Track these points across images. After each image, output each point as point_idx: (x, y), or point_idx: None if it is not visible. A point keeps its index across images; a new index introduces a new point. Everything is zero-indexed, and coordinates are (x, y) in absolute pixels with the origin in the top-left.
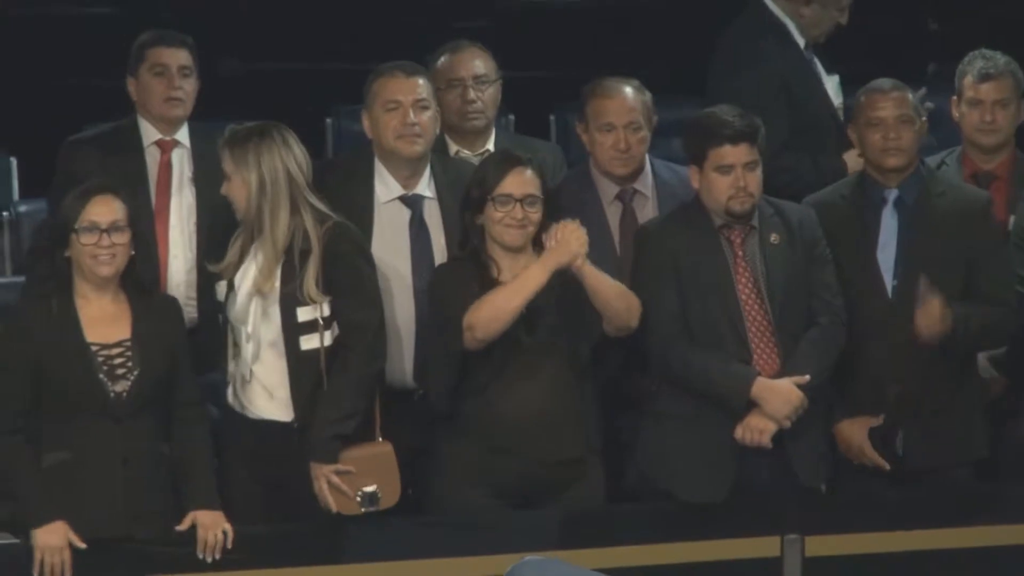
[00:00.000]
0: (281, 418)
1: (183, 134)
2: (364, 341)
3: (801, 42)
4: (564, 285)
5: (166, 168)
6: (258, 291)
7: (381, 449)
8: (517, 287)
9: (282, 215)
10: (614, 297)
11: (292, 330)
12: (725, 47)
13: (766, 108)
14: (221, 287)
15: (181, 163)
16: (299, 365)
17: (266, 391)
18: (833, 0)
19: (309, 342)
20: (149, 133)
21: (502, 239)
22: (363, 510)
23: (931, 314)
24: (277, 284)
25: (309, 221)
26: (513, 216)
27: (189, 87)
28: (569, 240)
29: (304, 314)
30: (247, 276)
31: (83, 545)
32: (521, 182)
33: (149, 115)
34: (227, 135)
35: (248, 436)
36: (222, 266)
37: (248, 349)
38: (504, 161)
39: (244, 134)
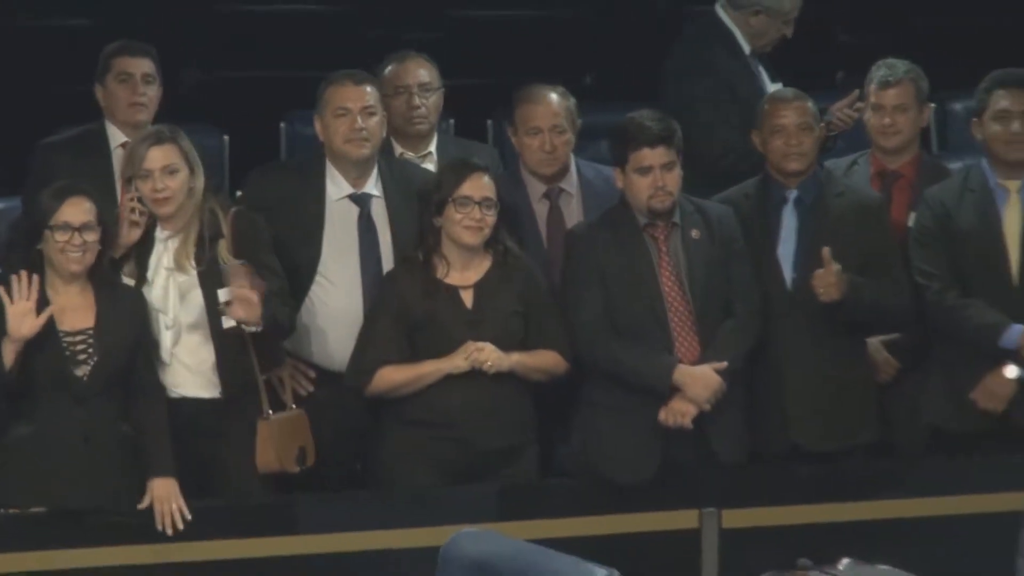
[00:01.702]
0: (206, 395)
1: None
2: (277, 305)
3: (747, 49)
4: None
5: None
6: (178, 267)
7: (297, 413)
8: (416, 376)
9: (202, 198)
10: (533, 373)
11: (215, 310)
12: (679, 52)
13: (717, 109)
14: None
15: None
16: (223, 343)
17: (188, 370)
18: (779, 14)
19: (230, 320)
20: (116, 136)
21: (460, 239)
22: (298, 468)
23: (827, 278)
24: (194, 272)
25: (216, 207)
26: (472, 217)
27: (152, 93)
28: (478, 357)
29: (225, 295)
30: (161, 261)
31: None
32: (480, 186)
33: (115, 120)
34: (168, 131)
35: (173, 415)
36: (120, 251)
37: (168, 336)
38: (463, 167)
39: (173, 128)
